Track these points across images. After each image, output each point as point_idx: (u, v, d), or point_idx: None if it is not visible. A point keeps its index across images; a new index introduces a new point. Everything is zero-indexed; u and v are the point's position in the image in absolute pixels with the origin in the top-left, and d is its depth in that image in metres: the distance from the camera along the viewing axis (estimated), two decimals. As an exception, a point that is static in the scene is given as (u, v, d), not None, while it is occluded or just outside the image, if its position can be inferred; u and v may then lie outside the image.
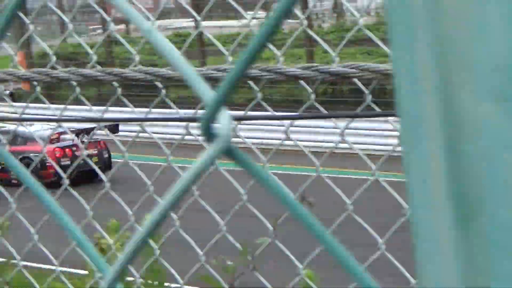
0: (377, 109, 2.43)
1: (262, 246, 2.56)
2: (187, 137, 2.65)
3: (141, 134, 2.73)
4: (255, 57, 0.48)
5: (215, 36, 2.92)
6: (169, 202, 0.51)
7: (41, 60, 21.51)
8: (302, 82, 2.38)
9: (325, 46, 2.44)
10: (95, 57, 2.67)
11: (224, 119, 0.50)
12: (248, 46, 0.48)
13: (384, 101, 4.03)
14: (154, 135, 2.80)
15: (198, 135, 0.53)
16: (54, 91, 18.74)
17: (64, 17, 3.12)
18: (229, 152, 0.50)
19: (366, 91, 2.32)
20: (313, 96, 2.41)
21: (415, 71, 0.44)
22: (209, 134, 0.50)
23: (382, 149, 11.33)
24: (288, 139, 2.53)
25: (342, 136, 2.40)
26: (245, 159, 0.49)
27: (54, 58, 2.71)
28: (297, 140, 2.60)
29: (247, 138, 2.64)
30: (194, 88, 0.50)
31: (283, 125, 2.59)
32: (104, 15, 2.91)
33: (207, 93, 0.50)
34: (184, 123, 2.68)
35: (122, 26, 30.99)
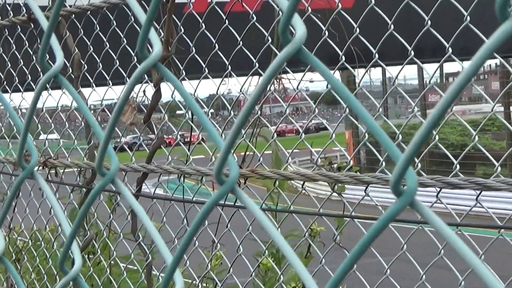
0: None
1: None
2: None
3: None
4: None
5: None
6: (358, 252, 0.48)
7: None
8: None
9: None
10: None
11: (411, 177, 0.47)
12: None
13: None
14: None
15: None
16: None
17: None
18: (413, 206, 0.47)
19: None
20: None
21: None
22: (397, 190, 0.47)
23: None
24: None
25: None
26: (429, 213, 0.47)
27: (366, 136, 2.44)
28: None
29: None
30: (386, 150, 0.48)
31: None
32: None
33: (397, 154, 0.47)
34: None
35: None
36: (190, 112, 3.22)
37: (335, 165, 2.73)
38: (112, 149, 0.73)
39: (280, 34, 0.54)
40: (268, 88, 2.98)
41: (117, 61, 3.22)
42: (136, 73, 0.66)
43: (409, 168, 0.46)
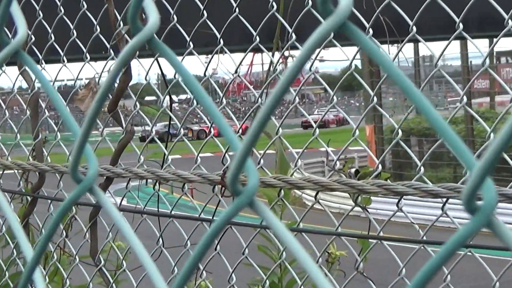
0: None
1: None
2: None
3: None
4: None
5: None
6: (423, 280, 0.49)
7: (391, 135, 20.87)
8: None
9: None
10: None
11: (488, 191, 0.48)
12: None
13: None
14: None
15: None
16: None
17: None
18: (491, 226, 0.49)
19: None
20: None
21: None
22: (471, 206, 0.48)
23: None
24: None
25: None
26: (508, 233, 0.48)
27: (400, 133, 2.54)
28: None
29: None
30: (458, 156, 0.49)
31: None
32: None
33: (472, 162, 0.48)
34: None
35: (485, 99, 30.34)
36: (168, 99, 3.22)
37: (353, 170, 2.71)
38: (90, 149, 0.73)
39: (320, 3, 0.55)
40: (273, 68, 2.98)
41: (74, 32, 3.22)
42: (127, 49, 0.67)
43: (487, 179, 0.47)
